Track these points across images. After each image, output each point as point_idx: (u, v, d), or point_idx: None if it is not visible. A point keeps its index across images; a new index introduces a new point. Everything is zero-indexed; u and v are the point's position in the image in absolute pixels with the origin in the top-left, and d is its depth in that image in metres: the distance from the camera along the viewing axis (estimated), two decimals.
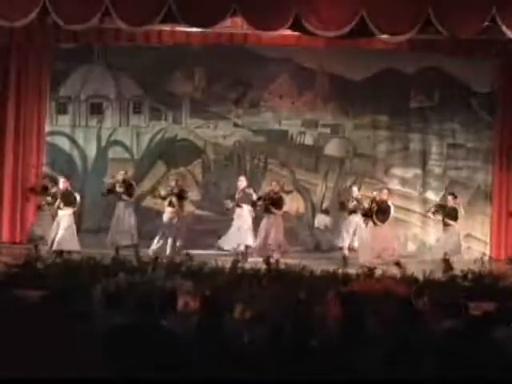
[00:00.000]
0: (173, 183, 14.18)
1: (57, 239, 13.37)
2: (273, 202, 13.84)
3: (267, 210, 13.87)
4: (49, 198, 13.98)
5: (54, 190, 14.33)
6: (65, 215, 13.61)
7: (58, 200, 13.61)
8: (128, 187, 14.24)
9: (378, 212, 13.49)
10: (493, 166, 16.26)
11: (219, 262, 12.57)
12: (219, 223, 15.20)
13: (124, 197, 14.14)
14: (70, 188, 13.86)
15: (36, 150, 15.97)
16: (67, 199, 13.63)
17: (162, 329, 5.22)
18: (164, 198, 14.03)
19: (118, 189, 14.08)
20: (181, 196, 14.00)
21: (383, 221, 13.54)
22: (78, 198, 13.84)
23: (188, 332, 5.40)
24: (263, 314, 7.13)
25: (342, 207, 14.72)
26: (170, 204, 13.94)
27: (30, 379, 3.80)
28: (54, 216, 13.85)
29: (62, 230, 13.43)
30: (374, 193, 14.15)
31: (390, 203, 13.81)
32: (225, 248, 14.18)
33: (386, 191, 14.09)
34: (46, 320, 4.42)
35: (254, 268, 12.44)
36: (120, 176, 14.32)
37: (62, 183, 13.85)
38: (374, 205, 13.57)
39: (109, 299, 7.07)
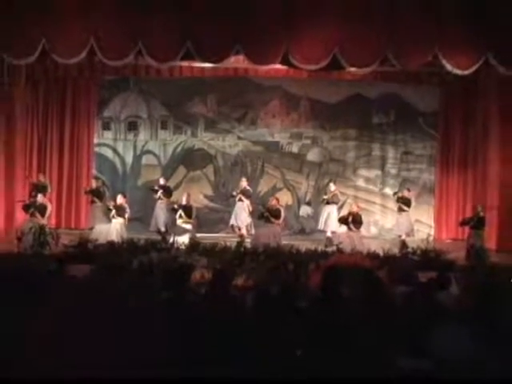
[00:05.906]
0: (184, 198, 13.79)
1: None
2: (272, 214, 13.31)
3: (267, 220, 13.31)
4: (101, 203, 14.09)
5: (101, 189, 14.56)
6: (117, 223, 13.19)
7: (113, 211, 13.20)
8: (166, 191, 14.46)
9: (354, 222, 13.28)
10: (435, 168, 16.28)
11: (227, 242, 12.52)
12: (227, 213, 15.15)
13: (162, 197, 14.33)
14: (125, 204, 13.38)
15: (87, 158, 15.99)
16: (120, 212, 13.26)
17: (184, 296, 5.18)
18: (175, 211, 13.55)
19: (159, 192, 14.34)
20: (187, 213, 13.52)
21: (358, 228, 13.33)
22: (128, 211, 13.37)
23: (201, 298, 5.36)
24: (261, 282, 7.08)
25: (322, 200, 14.68)
26: (180, 216, 13.51)
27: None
28: (106, 217, 13.45)
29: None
30: (353, 206, 13.81)
31: (361, 214, 13.54)
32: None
33: (354, 205, 13.86)
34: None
35: (253, 247, 12.38)
36: (162, 181, 14.67)
37: (119, 199, 13.42)
38: (350, 217, 13.36)
39: (143, 271, 7.05)
